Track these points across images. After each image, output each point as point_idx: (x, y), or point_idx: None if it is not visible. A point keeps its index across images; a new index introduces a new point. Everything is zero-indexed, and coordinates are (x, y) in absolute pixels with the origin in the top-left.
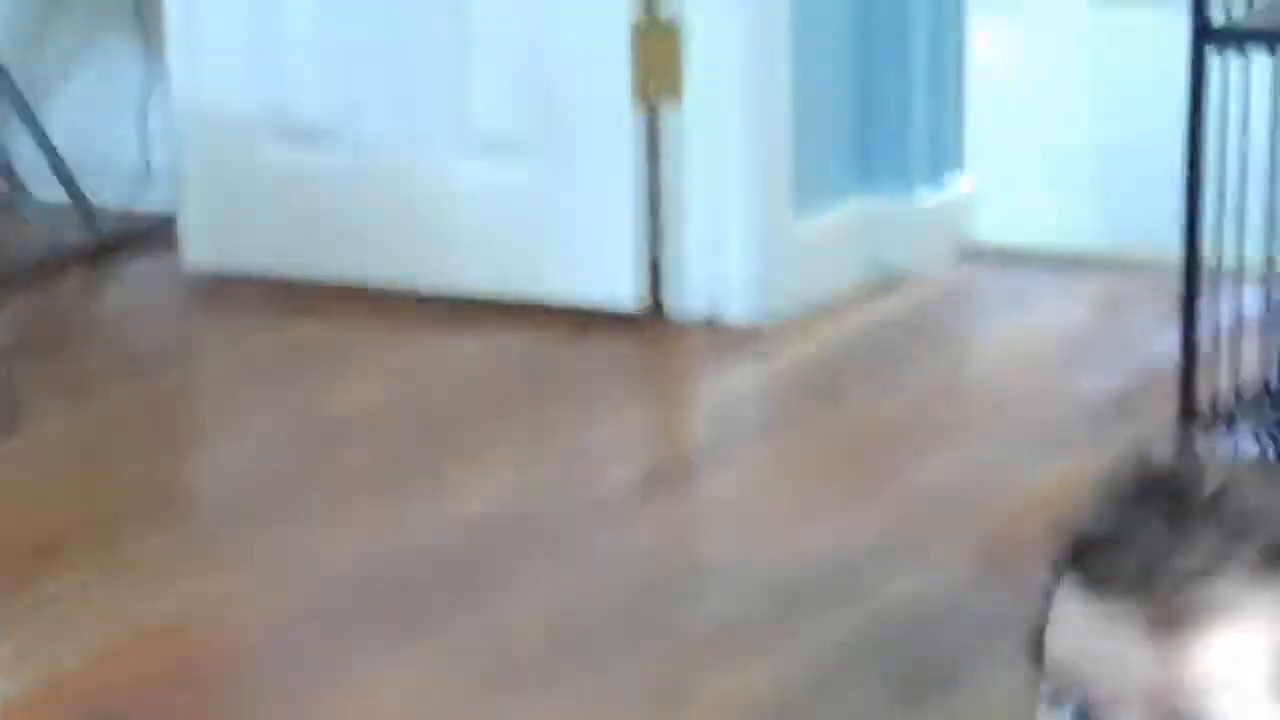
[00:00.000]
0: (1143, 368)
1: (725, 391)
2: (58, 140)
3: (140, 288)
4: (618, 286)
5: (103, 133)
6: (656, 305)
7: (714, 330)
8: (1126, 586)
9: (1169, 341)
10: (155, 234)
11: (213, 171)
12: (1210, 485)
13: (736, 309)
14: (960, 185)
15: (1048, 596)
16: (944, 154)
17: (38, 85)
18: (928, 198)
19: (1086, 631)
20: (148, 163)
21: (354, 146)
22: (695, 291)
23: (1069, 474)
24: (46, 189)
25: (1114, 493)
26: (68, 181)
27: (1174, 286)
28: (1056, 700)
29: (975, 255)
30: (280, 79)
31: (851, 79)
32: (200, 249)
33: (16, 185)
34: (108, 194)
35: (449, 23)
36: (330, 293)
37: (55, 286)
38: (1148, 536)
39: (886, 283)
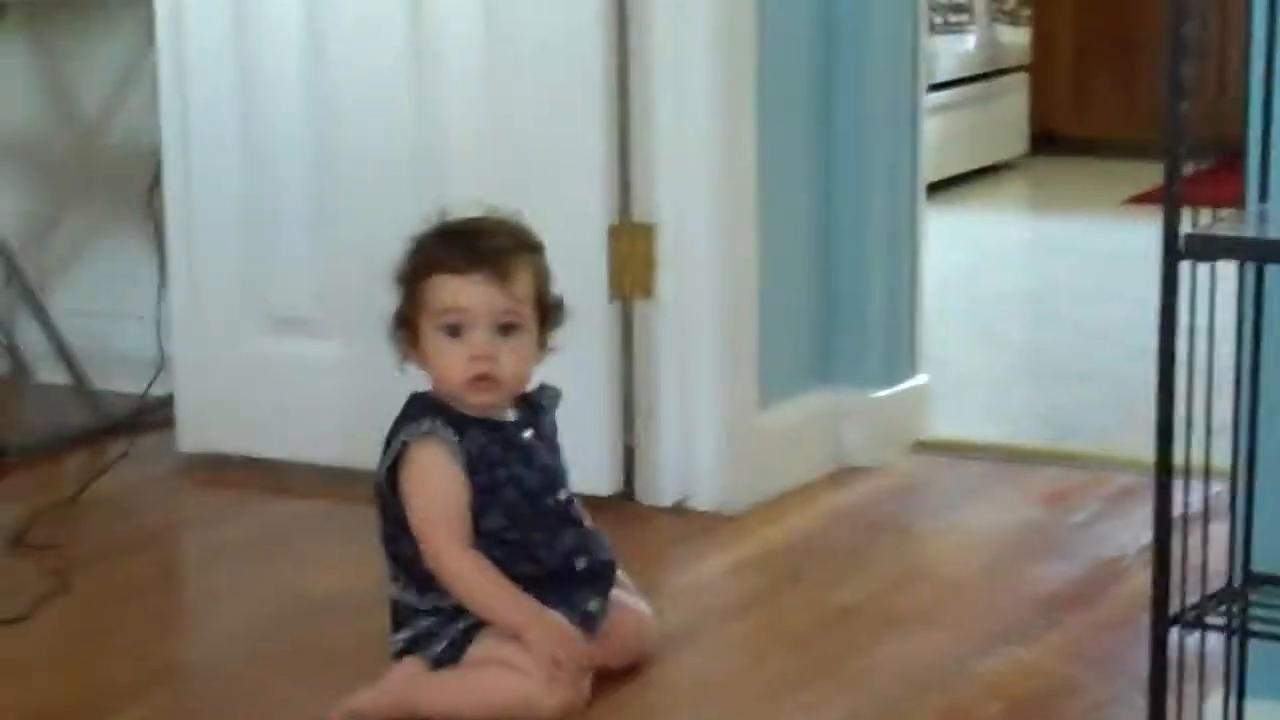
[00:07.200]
0: (1092, 558)
1: (694, 575)
2: (68, 325)
3: (137, 469)
4: (595, 472)
5: (115, 319)
6: (629, 490)
7: (683, 515)
8: (474, 263)
9: (1114, 533)
10: (156, 417)
11: (206, 357)
12: (486, 221)
13: (705, 495)
14: (914, 382)
15: (413, 277)
16: (899, 353)
17: (51, 271)
18: (884, 393)
19: (458, 289)
20: (161, 349)
21: (339, 336)
22: (667, 478)
23: (1022, 662)
24: (52, 372)
25: (430, 234)
26: (71, 365)
27: (1115, 480)
28: (441, 324)
29: (927, 449)
30: (267, 271)
31: (814, 279)
32: (193, 431)
33: (20, 368)
34: (122, 379)
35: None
36: (314, 473)
37: (56, 467)
38: (469, 241)
39: (845, 473)
